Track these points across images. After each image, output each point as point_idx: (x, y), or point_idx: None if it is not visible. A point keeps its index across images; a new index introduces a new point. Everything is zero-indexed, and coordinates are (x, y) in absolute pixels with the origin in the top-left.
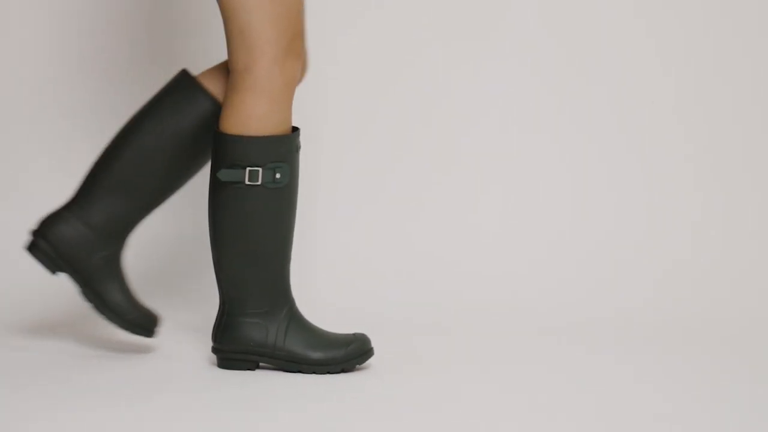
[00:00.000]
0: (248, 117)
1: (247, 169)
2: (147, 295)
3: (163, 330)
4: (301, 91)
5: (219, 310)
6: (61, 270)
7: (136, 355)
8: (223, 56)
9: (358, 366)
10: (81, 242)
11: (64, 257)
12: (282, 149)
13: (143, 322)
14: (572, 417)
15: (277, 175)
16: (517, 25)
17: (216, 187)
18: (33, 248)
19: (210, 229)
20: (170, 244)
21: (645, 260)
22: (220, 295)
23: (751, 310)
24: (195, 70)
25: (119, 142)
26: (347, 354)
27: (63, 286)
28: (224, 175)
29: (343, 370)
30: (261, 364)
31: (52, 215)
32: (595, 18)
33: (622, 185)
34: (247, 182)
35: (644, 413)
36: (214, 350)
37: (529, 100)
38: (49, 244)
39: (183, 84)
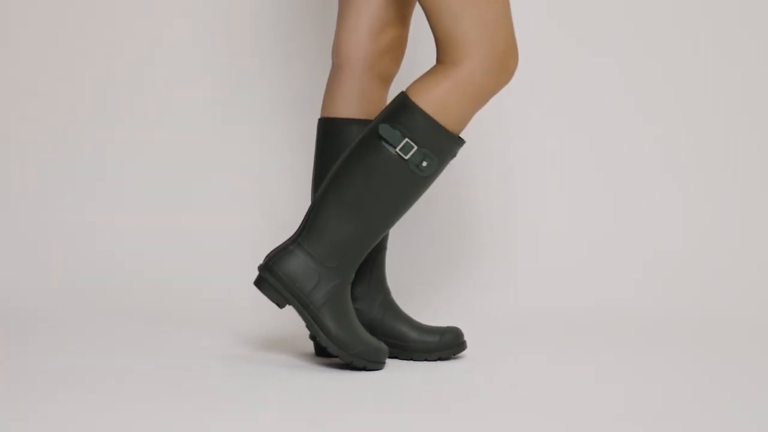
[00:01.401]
0: (436, 99)
1: (406, 139)
2: (166, 292)
3: (167, 328)
4: None
5: (292, 236)
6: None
7: (139, 354)
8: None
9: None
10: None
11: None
12: (443, 144)
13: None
14: (565, 415)
15: (424, 163)
16: (521, 27)
17: (369, 134)
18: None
19: (338, 162)
20: (180, 240)
21: (641, 259)
22: (302, 223)
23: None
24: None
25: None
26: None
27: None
28: (384, 129)
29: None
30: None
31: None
32: (598, 20)
33: (619, 188)
34: (397, 149)
35: (648, 413)
36: (260, 268)
37: (528, 104)
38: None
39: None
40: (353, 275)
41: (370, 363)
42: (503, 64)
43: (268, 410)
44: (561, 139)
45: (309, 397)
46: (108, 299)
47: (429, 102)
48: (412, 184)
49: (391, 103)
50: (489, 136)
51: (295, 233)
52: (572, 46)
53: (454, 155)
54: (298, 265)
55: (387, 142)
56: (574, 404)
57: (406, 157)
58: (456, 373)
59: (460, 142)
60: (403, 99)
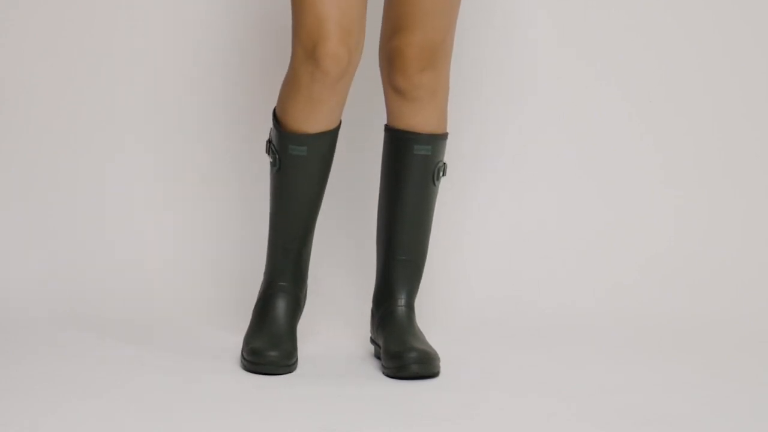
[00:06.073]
0: (279, 96)
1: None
2: (169, 294)
3: (168, 332)
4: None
5: None
6: None
7: (139, 358)
8: None
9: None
10: None
11: None
12: (278, 141)
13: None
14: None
15: (270, 159)
16: (524, 26)
17: None
18: None
19: None
20: (179, 243)
21: (635, 262)
22: None
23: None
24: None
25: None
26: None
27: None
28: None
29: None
30: None
31: None
32: (592, 21)
33: (612, 190)
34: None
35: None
36: None
37: (521, 106)
38: None
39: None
40: (281, 281)
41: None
42: (308, 52)
43: (268, 418)
44: (553, 139)
45: (307, 406)
46: (111, 301)
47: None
48: (276, 179)
49: None
50: (483, 138)
51: None
52: (566, 46)
53: (299, 150)
54: None
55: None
56: (571, 411)
57: (270, 160)
58: (455, 378)
59: (285, 135)
60: None
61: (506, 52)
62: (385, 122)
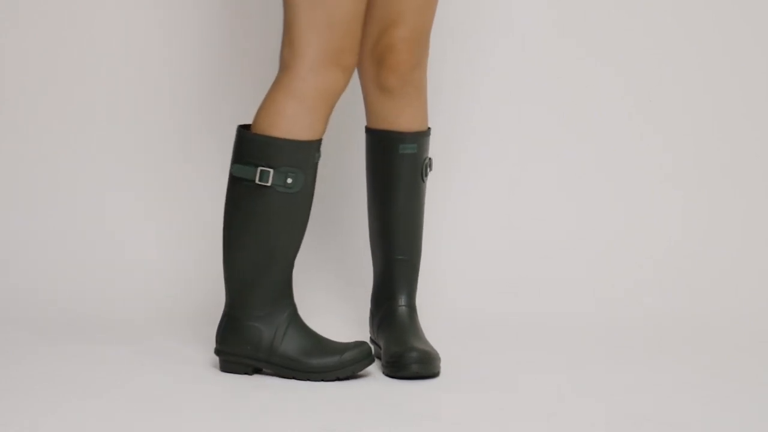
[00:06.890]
0: (276, 115)
1: (259, 168)
2: (154, 296)
3: (168, 332)
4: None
5: (224, 311)
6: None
7: (139, 358)
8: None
9: (354, 374)
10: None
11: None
12: (298, 155)
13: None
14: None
15: (288, 180)
16: (524, 23)
17: (231, 183)
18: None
19: (223, 226)
20: (178, 243)
21: (640, 263)
22: (226, 295)
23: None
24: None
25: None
26: (341, 361)
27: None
28: (236, 170)
29: (338, 378)
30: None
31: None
32: (599, 24)
33: (618, 192)
34: (257, 182)
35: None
36: (216, 351)
37: (527, 107)
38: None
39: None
40: (291, 307)
41: (358, 366)
42: (334, 62)
43: (268, 418)
44: (560, 141)
45: (307, 406)
46: (111, 302)
47: (270, 122)
48: (292, 203)
49: (234, 143)
50: (482, 139)
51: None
52: (571, 48)
53: (317, 157)
54: (243, 330)
55: (245, 180)
56: (571, 411)
57: (269, 184)
58: (455, 378)
59: (314, 144)
60: (238, 132)
61: (506, 52)
62: (365, 125)
